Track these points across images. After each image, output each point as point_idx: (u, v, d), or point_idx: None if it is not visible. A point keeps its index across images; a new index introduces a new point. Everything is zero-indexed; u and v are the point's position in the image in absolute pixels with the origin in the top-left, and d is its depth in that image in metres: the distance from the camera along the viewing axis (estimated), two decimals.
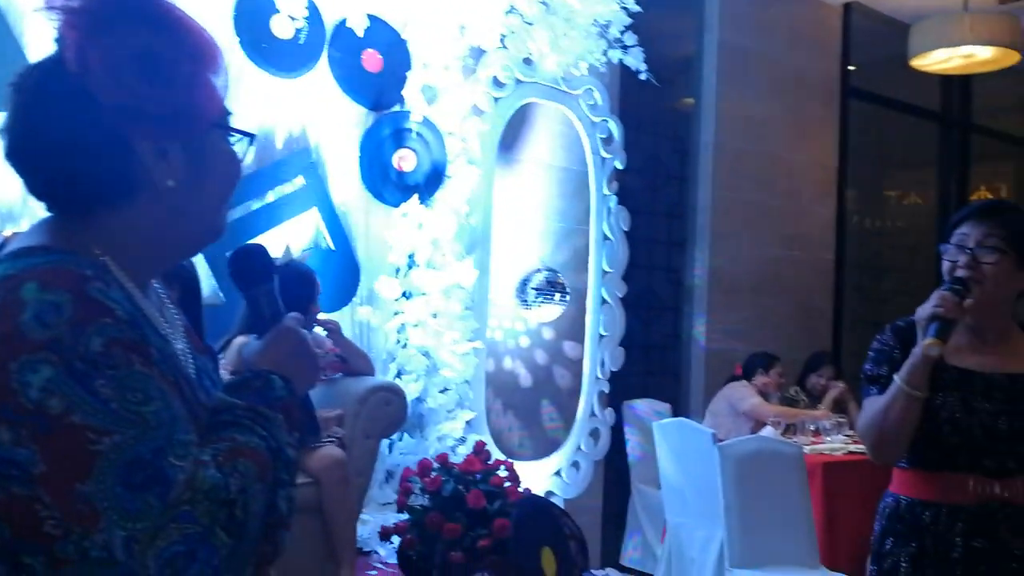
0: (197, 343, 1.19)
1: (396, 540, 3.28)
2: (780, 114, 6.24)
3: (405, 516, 3.26)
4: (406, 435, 4.25)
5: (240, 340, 3.04)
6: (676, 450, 4.18)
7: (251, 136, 1.14)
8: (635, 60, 4.88)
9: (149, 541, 0.91)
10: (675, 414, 5.27)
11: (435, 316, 4.30)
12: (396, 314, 4.28)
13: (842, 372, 5.74)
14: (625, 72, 5.06)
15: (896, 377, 1.92)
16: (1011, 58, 6.09)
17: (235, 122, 1.12)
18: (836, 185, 6.61)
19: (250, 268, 1.19)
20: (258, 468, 1.00)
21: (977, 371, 1.97)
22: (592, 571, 4.91)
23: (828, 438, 4.71)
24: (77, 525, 0.89)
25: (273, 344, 1.15)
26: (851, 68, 6.80)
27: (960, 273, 1.95)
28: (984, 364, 1.98)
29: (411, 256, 4.33)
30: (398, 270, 4.33)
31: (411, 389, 4.19)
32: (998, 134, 8.46)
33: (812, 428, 4.90)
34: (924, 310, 1.91)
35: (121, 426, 0.92)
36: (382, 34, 4.26)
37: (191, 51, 1.05)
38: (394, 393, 3.64)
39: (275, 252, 3.49)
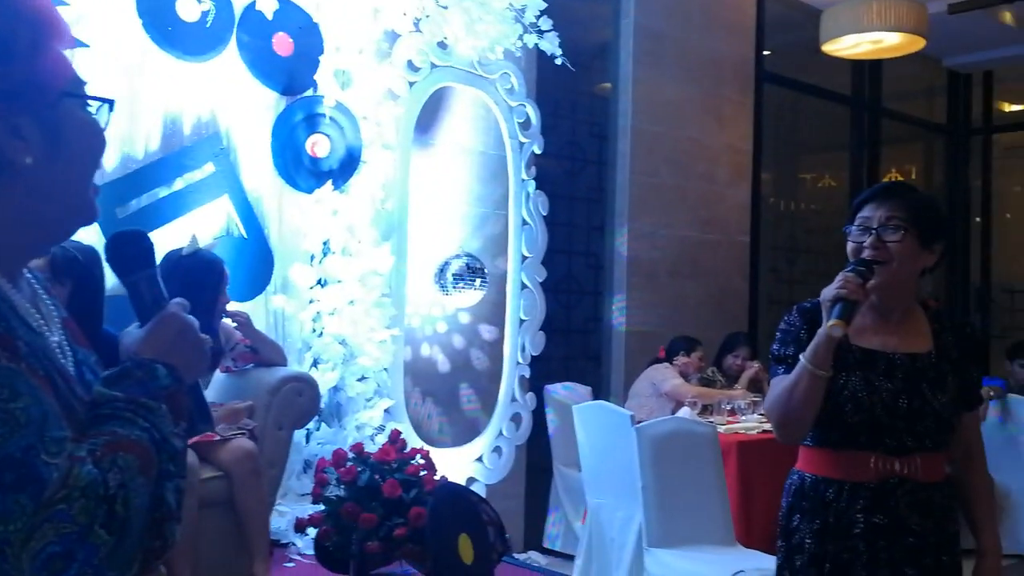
0: (78, 336, 1.14)
1: (313, 531, 3.24)
2: (696, 98, 6.31)
3: (322, 507, 3.22)
4: (324, 425, 4.20)
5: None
6: (595, 432, 4.21)
7: (109, 102, 1.09)
8: (551, 45, 4.88)
9: (23, 543, 0.87)
10: (596, 397, 5.31)
11: (351, 304, 4.25)
12: (311, 302, 4.22)
13: (758, 352, 5.83)
14: (542, 57, 5.06)
15: (802, 357, 1.94)
16: (917, 44, 6.26)
17: (91, 90, 1.07)
18: (751, 168, 6.71)
19: (128, 254, 1.16)
20: (140, 461, 0.97)
21: (880, 351, 2.00)
22: (515, 554, 4.92)
23: (743, 417, 4.79)
24: None
25: (156, 331, 1.11)
26: (765, 53, 6.91)
27: (866, 254, 1.99)
28: (887, 344, 2.01)
29: (326, 243, 4.27)
30: (313, 257, 4.27)
31: (328, 378, 4.14)
32: (907, 117, 8.71)
33: (728, 408, 4.98)
34: (828, 292, 1.94)
35: None
36: (293, 17, 4.18)
37: (28, 20, 1.00)
38: (306, 383, 3.59)
39: (182, 241, 3.40)
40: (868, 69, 7.90)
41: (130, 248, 1.16)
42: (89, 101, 1.07)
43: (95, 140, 1.08)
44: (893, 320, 2.04)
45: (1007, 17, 7.54)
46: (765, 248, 7.11)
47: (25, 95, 0.99)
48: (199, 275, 3.25)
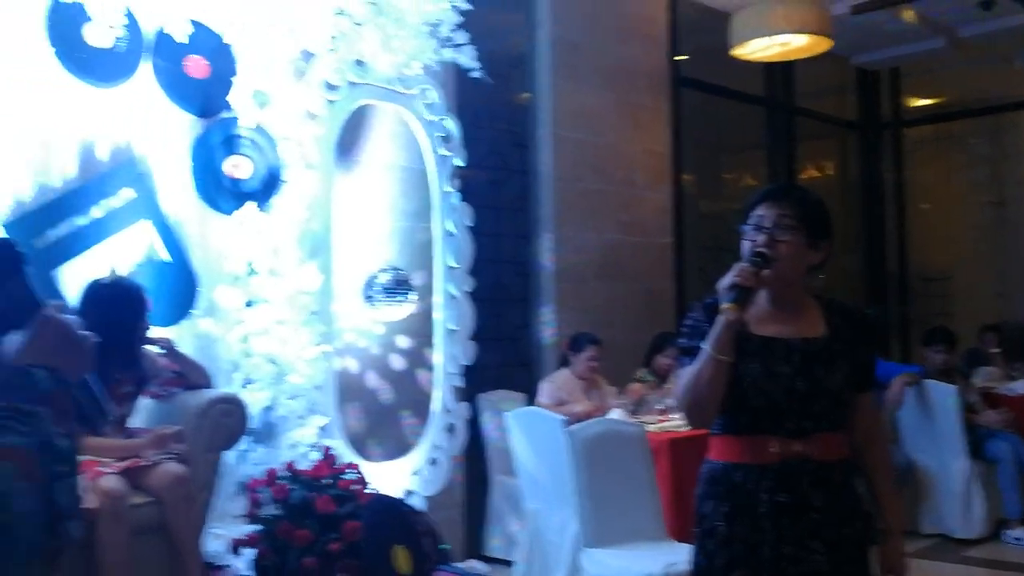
0: None
1: (249, 551, 3.25)
2: (613, 105, 6.43)
3: (257, 527, 3.22)
4: (257, 445, 4.19)
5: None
6: (529, 438, 4.28)
7: None
8: (467, 58, 4.94)
9: None
10: (529, 403, 5.38)
11: (280, 323, 4.25)
12: (239, 323, 4.21)
13: None
14: (460, 70, 5.11)
15: (704, 344, 2.05)
16: (824, 44, 6.48)
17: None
18: (671, 171, 6.85)
19: None
20: (19, 466, 1.00)
21: (777, 337, 2.13)
22: (455, 563, 4.96)
23: (674, 416, 4.90)
24: None
25: (35, 336, 1.14)
26: (679, 58, 7.06)
27: (760, 249, 2.10)
28: (783, 331, 2.15)
29: (251, 264, 4.27)
30: (238, 279, 4.26)
31: (259, 398, 4.14)
32: (820, 115, 8.96)
33: (659, 407, 5.09)
34: (724, 281, 2.06)
35: None
36: (205, 39, 4.17)
37: None
38: (234, 404, 3.58)
39: (102, 270, 3.37)
40: (780, 70, 8.12)
41: None
42: None
43: None
44: (787, 310, 2.18)
45: (909, 15, 7.82)
46: (692, 248, 7.25)
47: None
48: (120, 304, 3.23)
